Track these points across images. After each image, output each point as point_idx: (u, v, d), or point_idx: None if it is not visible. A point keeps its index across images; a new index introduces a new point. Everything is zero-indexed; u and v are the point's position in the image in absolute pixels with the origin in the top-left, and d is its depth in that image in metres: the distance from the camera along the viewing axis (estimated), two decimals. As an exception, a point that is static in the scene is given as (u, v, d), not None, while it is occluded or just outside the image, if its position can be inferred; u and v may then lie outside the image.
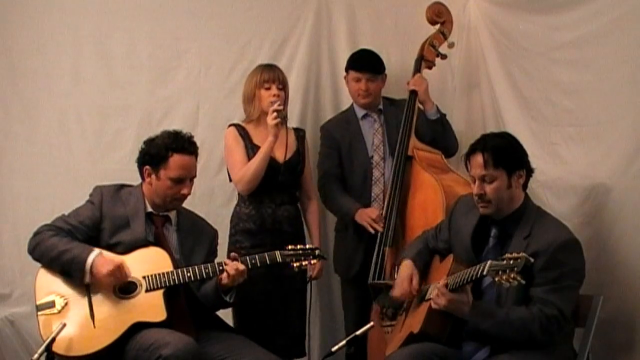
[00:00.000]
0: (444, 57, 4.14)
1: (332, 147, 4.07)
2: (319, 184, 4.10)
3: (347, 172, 4.05)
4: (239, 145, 3.82)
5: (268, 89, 3.82)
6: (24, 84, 4.17)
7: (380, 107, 4.11)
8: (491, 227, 3.13)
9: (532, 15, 3.80)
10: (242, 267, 3.24)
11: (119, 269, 3.13)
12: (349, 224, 3.99)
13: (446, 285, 2.92)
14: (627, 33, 3.23)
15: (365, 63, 4.06)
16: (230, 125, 3.89)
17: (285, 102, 3.85)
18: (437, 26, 4.13)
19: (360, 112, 4.10)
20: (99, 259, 3.13)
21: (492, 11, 4.15)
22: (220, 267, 3.24)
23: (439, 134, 3.95)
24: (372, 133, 4.07)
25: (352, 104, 4.15)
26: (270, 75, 3.84)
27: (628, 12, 3.24)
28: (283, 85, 3.85)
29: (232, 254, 3.32)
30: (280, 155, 3.81)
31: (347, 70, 4.13)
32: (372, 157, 4.02)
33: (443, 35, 4.11)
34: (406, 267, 3.30)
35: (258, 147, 3.78)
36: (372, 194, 3.98)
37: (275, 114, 3.70)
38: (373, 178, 4.00)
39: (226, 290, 3.28)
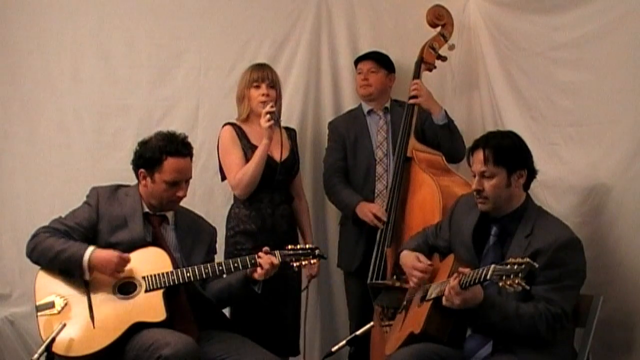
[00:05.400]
0: (444, 59, 4.15)
1: (337, 142, 4.12)
2: (323, 177, 4.15)
3: (351, 166, 4.09)
4: (236, 145, 3.82)
5: (257, 87, 3.82)
6: (24, 84, 4.18)
7: (387, 106, 4.15)
8: (491, 226, 3.13)
9: (532, 15, 3.80)
10: (276, 260, 3.27)
11: (119, 257, 3.13)
12: (350, 217, 4.02)
13: (459, 283, 2.88)
14: (627, 33, 3.23)
15: (368, 54, 4.17)
16: (226, 124, 3.88)
17: (277, 101, 3.85)
18: (438, 29, 4.13)
19: (366, 108, 4.16)
20: (96, 253, 3.13)
21: (492, 11, 4.15)
22: (253, 261, 3.26)
23: (446, 139, 3.96)
24: (377, 130, 4.11)
25: (360, 102, 4.20)
26: (260, 74, 3.84)
27: (628, 12, 3.24)
28: (273, 84, 3.85)
29: (265, 248, 3.32)
30: (277, 155, 3.82)
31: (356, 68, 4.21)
32: (376, 153, 4.05)
33: (443, 37, 4.12)
34: (407, 254, 3.32)
35: (256, 147, 3.77)
36: (376, 190, 4.02)
37: (268, 116, 3.70)
38: (376, 174, 4.04)
39: (253, 281, 3.31)
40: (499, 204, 3.08)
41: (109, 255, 3.14)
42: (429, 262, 3.25)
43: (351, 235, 4.06)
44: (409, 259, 3.31)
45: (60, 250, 3.15)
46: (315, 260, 3.40)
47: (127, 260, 3.16)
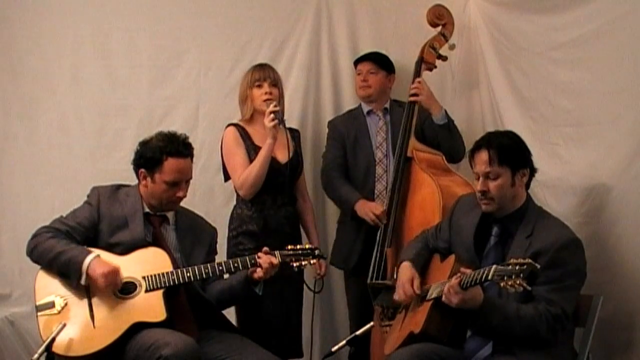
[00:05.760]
0: (444, 58, 4.15)
1: (337, 140, 4.12)
2: (321, 173, 4.15)
3: (351, 166, 4.09)
4: (240, 146, 3.81)
5: (259, 86, 3.82)
6: (24, 84, 4.18)
7: (387, 106, 4.15)
8: (493, 226, 3.13)
9: (532, 15, 3.80)
10: (275, 260, 3.28)
11: (114, 273, 3.12)
12: (348, 215, 4.01)
13: (460, 283, 2.88)
14: (627, 33, 3.23)
15: (367, 55, 4.17)
16: (229, 125, 3.88)
17: (280, 100, 3.85)
18: (438, 28, 4.13)
19: (365, 108, 4.16)
20: (96, 261, 3.12)
21: (492, 11, 4.15)
22: (253, 261, 3.27)
23: (445, 139, 3.96)
24: (376, 130, 4.11)
25: (360, 102, 4.20)
26: (261, 74, 3.84)
27: (628, 12, 3.24)
28: (275, 83, 3.85)
29: (265, 248, 3.33)
30: (281, 157, 3.82)
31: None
32: (376, 153, 4.06)
33: (444, 37, 4.12)
34: (406, 270, 3.28)
35: (259, 148, 3.77)
36: (375, 191, 4.02)
37: (272, 115, 3.70)
38: (376, 175, 4.04)
39: (254, 282, 3.32)
40: (504, 204, 3.08)
41: (104, 263, 3.12)
42: (418, 291, 3.20)
43: (349, 233, 4.06)
44: (405, 275, 3.26)
45: (61, 252, 3.14)
46: (315, 260, 3.41)
47: (119, 282, 3.13)
